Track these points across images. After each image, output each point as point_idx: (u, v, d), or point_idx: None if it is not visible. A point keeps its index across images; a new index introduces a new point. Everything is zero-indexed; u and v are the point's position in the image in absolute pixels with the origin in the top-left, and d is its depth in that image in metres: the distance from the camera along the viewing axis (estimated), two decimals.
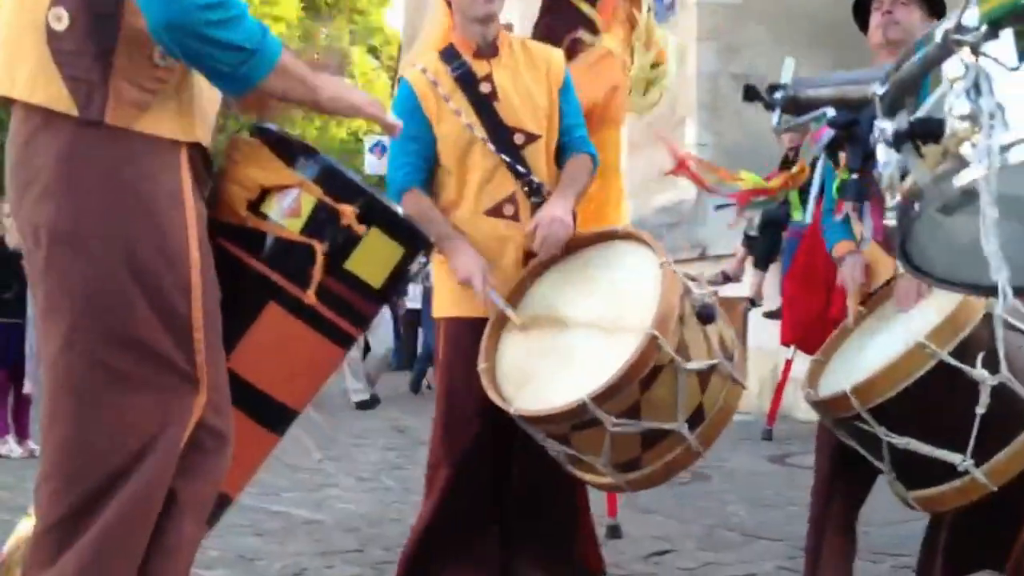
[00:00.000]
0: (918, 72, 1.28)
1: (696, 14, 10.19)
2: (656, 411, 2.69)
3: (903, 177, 1.28)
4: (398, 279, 2.15)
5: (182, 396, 1.85)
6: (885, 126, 1.29)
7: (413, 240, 2.15)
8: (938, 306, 2.75)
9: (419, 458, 5.22)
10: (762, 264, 7.72)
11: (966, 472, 2.64)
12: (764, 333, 7.67)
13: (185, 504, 1.88)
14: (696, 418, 2.77)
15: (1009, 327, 2.66)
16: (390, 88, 25.09)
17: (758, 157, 8.53)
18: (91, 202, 1.76)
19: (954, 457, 2.64)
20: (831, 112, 1.65)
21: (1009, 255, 1.10)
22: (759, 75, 10.17)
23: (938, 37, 1.23)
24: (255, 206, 2.04)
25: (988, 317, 2.65)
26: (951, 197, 1.25)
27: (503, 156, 3.05)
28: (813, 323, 3.49)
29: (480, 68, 3.11)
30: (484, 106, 3.07)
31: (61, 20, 1.74)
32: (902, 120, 1.27)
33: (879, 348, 2.85)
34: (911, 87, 1.29)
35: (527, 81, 3.10)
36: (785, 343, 6.25)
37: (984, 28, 1.19)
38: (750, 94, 2.13)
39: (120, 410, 1.80)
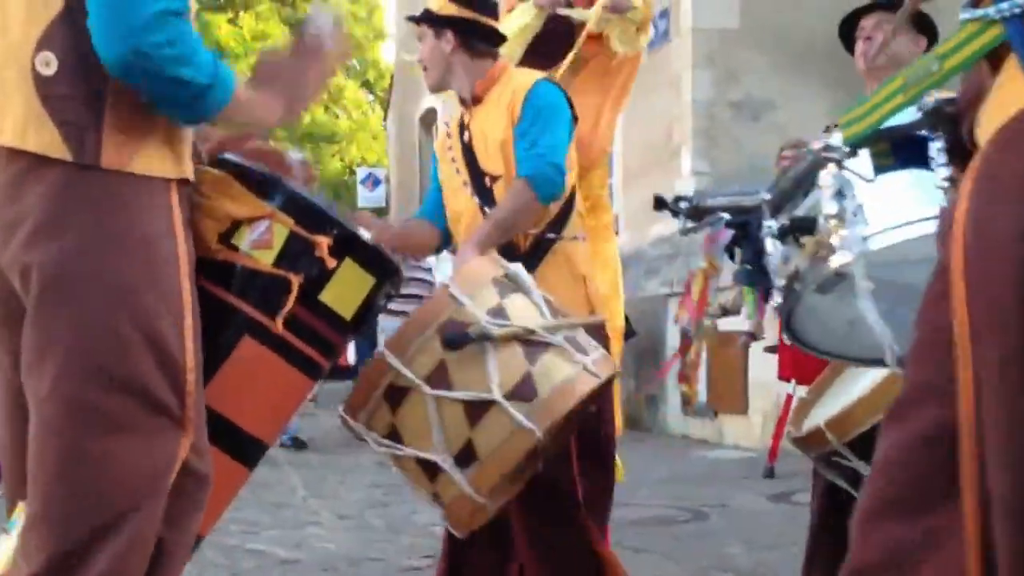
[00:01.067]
0: (796, 181, 1.67)
1: (691, 40, 10.31)
2: (415, 437, 2.48)
3: (786, 263, 1.65)
4: (369, 309, 2.18)
5: (169, 439, 1.86)
6: (771, 224, 1.69)
7: (385, 269, 2.18)
8: None
9: (406, 495, 5.23)
10: (762, 296, 7.76)
11: None
12: (765, 367, 7.69)
13: (172, 553, 1.89)
14: (466, 457, 2.44)
15: None
16: (383, 120, 25.38)
17: (755, 186, 8.62)
18: (85, 244, 1.78)
19: None
20: (727, 216, 2.02)
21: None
22: (757, 101, 10.29)
23: (811, 154, 1.61)
24: (225, 238, 2.07)
25: None
26: (825, 278, 1.62)
27: (475, 198, 3.23)
28: (811, 357, 3.53)
29: (467, 116, 3.33)
30: (468, 152, 3.28)
31: (49, 65, 1.76)
32: (784, 219, 1.65)
33: (865, 381, 2.88)
34: (791, 193, 1.68)
35: (492, 121, 3.23)
36: (783, 377, 6.30)
37: (847, 148, 1.59)
38: (659, 204, 2.52)
39: (109, 457, 1.81)
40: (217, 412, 2.04)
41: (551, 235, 3.17)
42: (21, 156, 1.78)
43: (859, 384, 2.94)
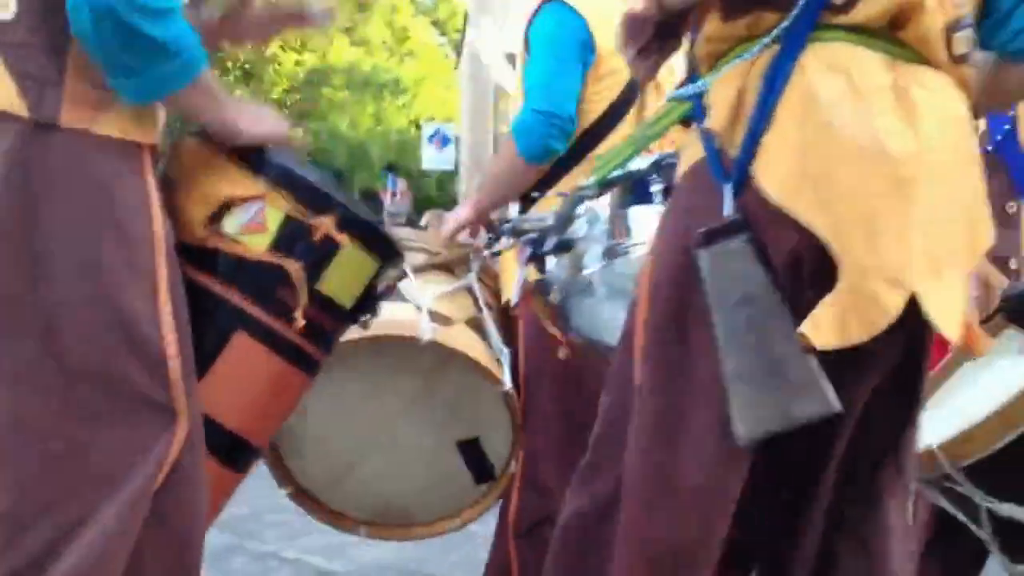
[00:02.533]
0: (566, 212, 2.43)
1: None
2: None
3: (559, 274, 2.52)
4: (369, 297, 2.18)
5: (157, 431, 1.84)
6: (550, 244, 2.46)
7: (388, 252, 2.17)
8: None
9: None
10: None
11: None
12: None
13: (153, 560, 1.87)
14: None
15: None
16: (455, 65, 25.25)
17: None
18: (47, 213, 1.75)
19: None
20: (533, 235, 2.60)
21: (615, 323, 2.08)
22: None
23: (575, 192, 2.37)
24: (213, 221, 2.02)
25: None
26: (581, 285, 2.47)
27: None
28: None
29: None
30: None
31: (7, 7, 1.73)
32: (553, 240, 2.46)
33: (982, 392, 2.74)
34: (565, 221, 2.44)
35: None
36: None
37: (597, 187, 2.30)
38: (492, 228, 3.10)
39: (78, 449, 1.79)
40: (205, 413, 2.02)
41: None
42: None
43: (968, 396, 2.82)
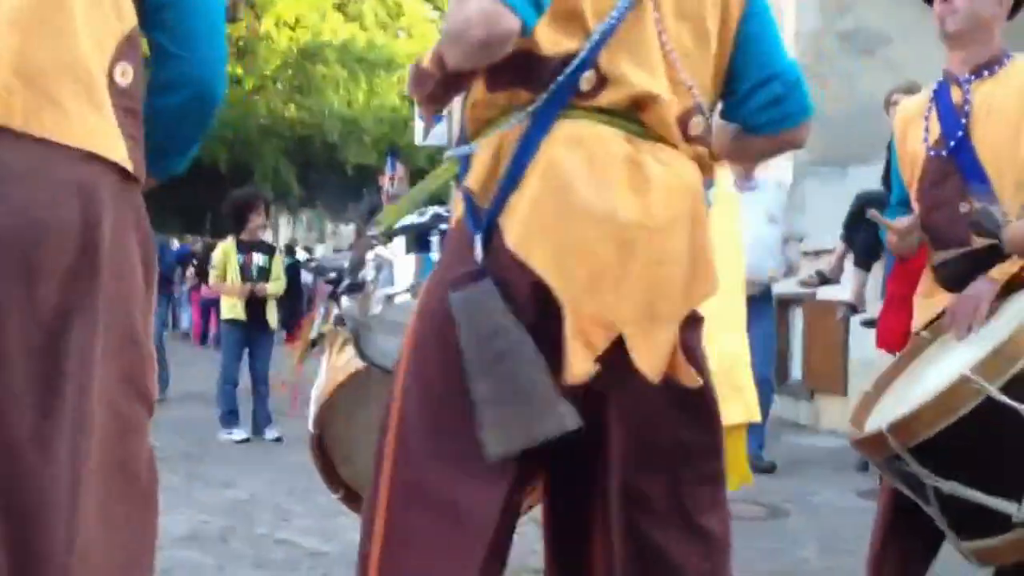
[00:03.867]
0: (358, 258, 2.78)
1: None
2: None
3: (352, 310, 2.87)
4: None
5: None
6: (344, 286, 2.85)
7: None
8: (998, 330, 2.91)
9: None
10: (863, 263, 7.81)
11: (1020, 521, 2.79)
12: (867, 342, 7.78)
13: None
14: None
15: None
16: None
17: (868, 130, 8.62)
18: (132, 256, 1.97)
19: (1007, 506, 2.80)
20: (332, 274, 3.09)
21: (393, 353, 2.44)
22: (870, 31, 10.24)
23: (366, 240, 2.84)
24: None
25: None
26: (370, 320, 2.77)
27: None
28: (908, 324, 3.66)
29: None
30: None
31: (125, 75, 1.95)
32: (346, 281, 2.81)
33: (930, 381, 3.01)
34: (357, 265, 2.84)
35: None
36: (886, 349, 6.34)
37: (384, 237, 2.70)
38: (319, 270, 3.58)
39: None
40: None
41: None
42: (83, 158, 1.88)
43: (924, 379, 3.09)
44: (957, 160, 3.31)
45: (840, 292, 8.11)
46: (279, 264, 9.21)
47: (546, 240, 2.11)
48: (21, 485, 1.78)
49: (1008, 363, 2.77)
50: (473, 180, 2.20)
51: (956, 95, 3.34)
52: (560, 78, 2.17)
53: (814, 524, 5.81)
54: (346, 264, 2.68)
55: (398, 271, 2.77)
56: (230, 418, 8.89)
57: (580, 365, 2.09)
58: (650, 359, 2.16)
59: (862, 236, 7.84)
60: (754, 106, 2.36)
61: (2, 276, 1.79)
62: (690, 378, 2.21)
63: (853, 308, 7.99)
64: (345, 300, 2.65)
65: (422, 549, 2.14)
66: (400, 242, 2.80)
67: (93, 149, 1.86)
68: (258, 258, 8.99)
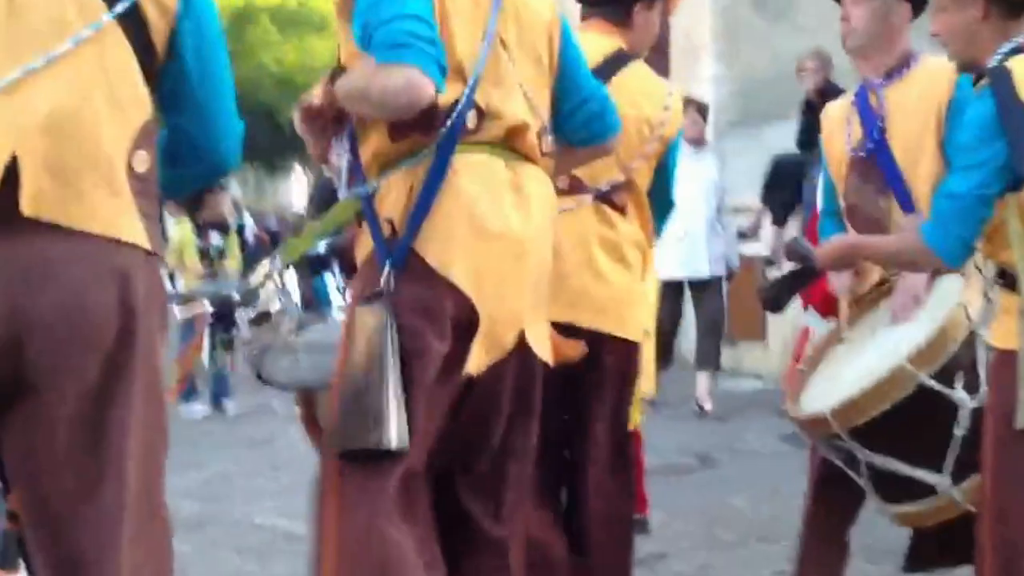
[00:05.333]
0: (255, 287, 2.67)
1: None
2: None
3: (256, 338, 2.71)
4: None
5: None
6: (245, 313, 2.69)
7: None
8: (929, 317, 3.04)
9: None
10: (779, 221, 7.98)
11: (944, 492, 2.97)
12: None
13: None
14: None
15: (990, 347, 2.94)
16: None
17: (782, 93, 8.74)
18: (158, 326, 2.02)
19: (932, 477, 2.98)
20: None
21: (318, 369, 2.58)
22: None
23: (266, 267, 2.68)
24: None
25: (971, 337, 2.94)
26: (282, 346, 2.66)
27: None
28: (823, 284, 3.79)
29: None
30: None
31: (144, 163, 1.99)
32: (250, 311, 2.69)
33: (863, 363, 3.15)
34: (251, 293, 2.70)
35: None
36: (804, 303, 6.51)
37: (284, 265, 2.63)
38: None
39: None
40: None
41: None
42: (104, 243, 1.93)
43: (856, 359, 3.23)
44: (877, 160, 3.44)
45: (759, 248, 8.28)
46: (235, 242, 9.04)
47: (462, 259, 2.43)
48: (71, 535, 1.88)
49: (940, 353, 2.93)
50: (394, 211, 2.46)
51: (873, 99, 3.47)
52: (450, 121, 2.45)
53: (742, 471, 5.99)
54: (236, 292, 2.72)
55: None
56: (189, 392, 8.69)
57: (480, 361, 2.47)
58: (543, 345, 2.58)
59: (778, 196, 8.01)
60: (577, 123, 2.75)
61: (51, 352, 1.87)
62: (574, 351, 2.73)
63: (770, 262, 8.16)
64: (244, 327, 2.68)
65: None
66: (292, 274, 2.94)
67: (119, 235, 1.93)
68: (215, 238, 8.77)
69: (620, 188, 3.27)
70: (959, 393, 2.93)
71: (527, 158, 2.58)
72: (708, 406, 7.79)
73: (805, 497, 3.50)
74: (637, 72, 3.33)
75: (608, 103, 2.78)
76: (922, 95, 3.37)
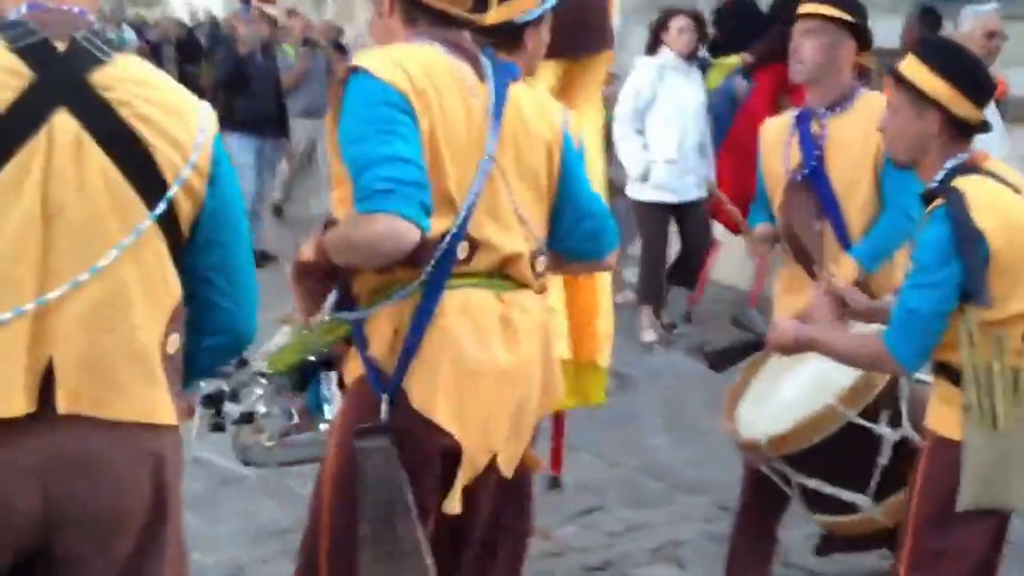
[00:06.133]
0: (239, 385, 2.68)
1: None
2: None
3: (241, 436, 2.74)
4: None
5: None
6: (232, 409, 2.68)
7: None
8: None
9: None
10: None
11: (867, 510, 3.31)
12: None
13: None
14: None
15: (917, 381, 3.21)
16: None
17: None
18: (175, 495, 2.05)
19: (856, 498, 3.32)
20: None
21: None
22: None
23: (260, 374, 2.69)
24: None
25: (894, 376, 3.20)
26: (262, 450, 2.72)
27: None
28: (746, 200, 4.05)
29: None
30: None
31: (174, 344, 2.01)
32: (236, 410, 2.69)
33: (794, 388, 3.44)
34: (236, 392, 2.70)
35: None
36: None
37: (271, 372, 2.63)
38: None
39: None
40: None
41: None
42: (140, 430, 1.95)
43: (788, 382, 3.50)
44: (812, 185, 3.67)
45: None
46: None
47: (447, 399, 2.45)
48: None
49: (866, 393, 3.24)
50: (378, 352, 2.47)
51: (815, 126, 3.69)
52: (440, 253, 2.43)
53: (658, 399, 6.13)
54: (225, 386, 2.63)
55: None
56: None
57: (457, 496, 2.51)
58: (509, 464, 2.63)
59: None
60: (575, 240, 2.73)
61: (89, 539, 1.91)
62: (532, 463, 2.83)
63: None
64: (231, 428, 2.66)
65: None
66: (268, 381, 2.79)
67: (152, 420, 1.96)
68: None
69: None
70: (883, 428, 3.25)
71: (520, 283, 2.59)
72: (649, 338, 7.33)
73: (740, 496, 3.77)
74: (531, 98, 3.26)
75: (607, 220, 2.76)
76: (864, 130, 3.56)
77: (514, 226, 2.56)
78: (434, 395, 2.45)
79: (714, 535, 4.34)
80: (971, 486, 2.67)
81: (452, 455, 2.49)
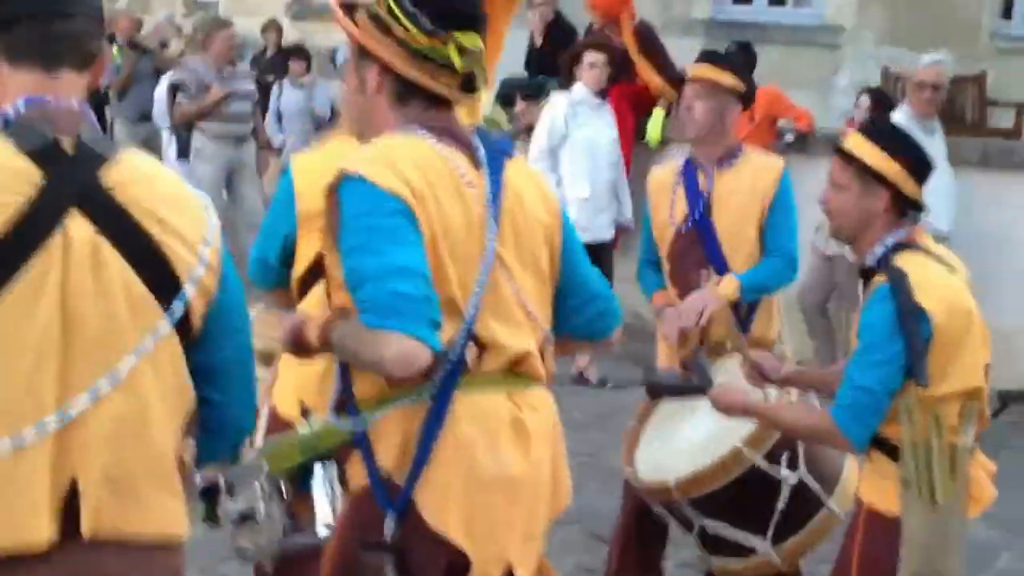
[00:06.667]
0: (237, 479, 2.42)
1: None
2: None
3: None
4: None
5: None
6: (234, 505, 2.44)
7: None
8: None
9: None
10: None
11: (764, 553, 3.39)
12: None
13: None
14: None
15: None
16: None
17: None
18: None
19: (755, 540, 3.39)
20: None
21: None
22: None
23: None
24: None
25: None
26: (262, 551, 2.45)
27: None
28: None
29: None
30: None
31: (188, 451, 1.94)
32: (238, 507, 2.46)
33: (697, 431, 3.48)
34: (235, 487, 2.46)
35: None
36: None
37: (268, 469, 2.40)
38: None
39: None
40: None
41: None
42: (160, 548, 1.89)
43: (687, 424, 3.56)
44: (699, 236, 3.80)
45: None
46: None
47: (458, 511, 2.32)
48: None
49: (769, 436, 3.30)
50: (387, 462, 2.33)
51: (702, 179, 3.83)
52: (449, 361, 2.29)
53: None
54: (222, 479, 2.48)
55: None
56: None
57: None
58: (528, 569, 2.44)
59: None
60: (582, 322, 2.56)
61: None
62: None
63: None
64: (234, 527, 2.50)
65: None
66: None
67: (171, 530, 1.90)
68: None
69: None
70: (783, 472, 3.32)
71: (530, 379, 2.44)
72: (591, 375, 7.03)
73: (618, 533, 3.79)
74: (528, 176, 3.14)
75: (611, 300, 2.63)
76: (751, 186, 3.76)
77: (521, 321, 2.42)
78: (446, 508, 2.32)
79: (590, 568, 4.33)
80: (911, 561, 2.70)
81: (461, 567, 2.34)
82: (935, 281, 2.74)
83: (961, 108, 9.33)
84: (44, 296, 1.76)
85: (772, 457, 3.30)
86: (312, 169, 2.92)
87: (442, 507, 2.32)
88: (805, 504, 3.35)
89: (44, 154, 1.79)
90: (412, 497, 2.31)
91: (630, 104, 7.58)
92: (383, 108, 2.38)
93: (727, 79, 3.78)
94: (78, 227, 1.78)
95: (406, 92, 2.35)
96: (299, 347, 2.39)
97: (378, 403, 2.34)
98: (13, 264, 1.75)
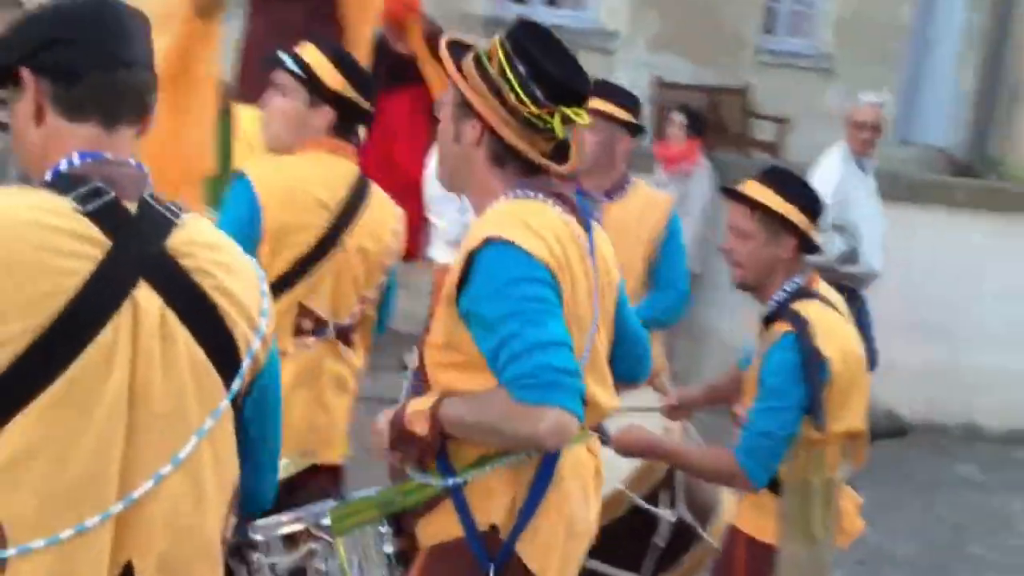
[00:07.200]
0: (289, 533, 2.40)
1: None
2: None
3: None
4: None
5: None
6: (283, 561, 2.41)
7: None
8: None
9: None
10: None
11: None
12: None
13: None
14: None
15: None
16: None
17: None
18: None
19: None
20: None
21: None
22: None
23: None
24: None
25: None
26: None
27: None
28: None
29: None
30: None
31: (230, 527, 1.81)
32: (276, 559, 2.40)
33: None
34: (288, 545, 2.42)
35: None
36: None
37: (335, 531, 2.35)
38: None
39: None
40: None
41: None
42: None
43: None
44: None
45: None
46: None
47: (556, 560, 2.34)
48: None
49: (650, 477, 3.32)
50: (498, 517, 2.29)
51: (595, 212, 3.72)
52: None
53: None
54: (261, 536, 2.38)
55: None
56: None
57: None
58: None
59: None
60: (624, 366, 2.54)
61: None
62: None
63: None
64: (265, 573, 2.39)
65: None
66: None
67: None
68: None
69: (356, 321, 3.17)
70: (662, 511, 3.34)
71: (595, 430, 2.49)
72: None
73: None
74: (376, 199, 3.16)
75: (648, 344, 2.66)
76: (640, 219, 3.78)
77: (608, 378, 2.43)
78: (549, 557, 2.32)
79: None
80: None
81: None
82: (833, 328, 2.86)
83: (725, 119, 9.74)
84: (115, 368, 1.61)
85: (651, 497, 3.30)
86: (271, 182, 2.92)
87: (546, 556, 2.32)
88: (682, 538, 3.38)
89: (107, 216, 1.62)
90: (514, 548, 2.29)
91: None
92: (481, 164, 2.29)
93: (614, 111, 3.75)
94: (147, 297, 1.63)
95: (505, 155, 2.27)
96: (406, 443, 2.26)
97: (481, 461, 2.29)
98: (83, 335, 1.58)
